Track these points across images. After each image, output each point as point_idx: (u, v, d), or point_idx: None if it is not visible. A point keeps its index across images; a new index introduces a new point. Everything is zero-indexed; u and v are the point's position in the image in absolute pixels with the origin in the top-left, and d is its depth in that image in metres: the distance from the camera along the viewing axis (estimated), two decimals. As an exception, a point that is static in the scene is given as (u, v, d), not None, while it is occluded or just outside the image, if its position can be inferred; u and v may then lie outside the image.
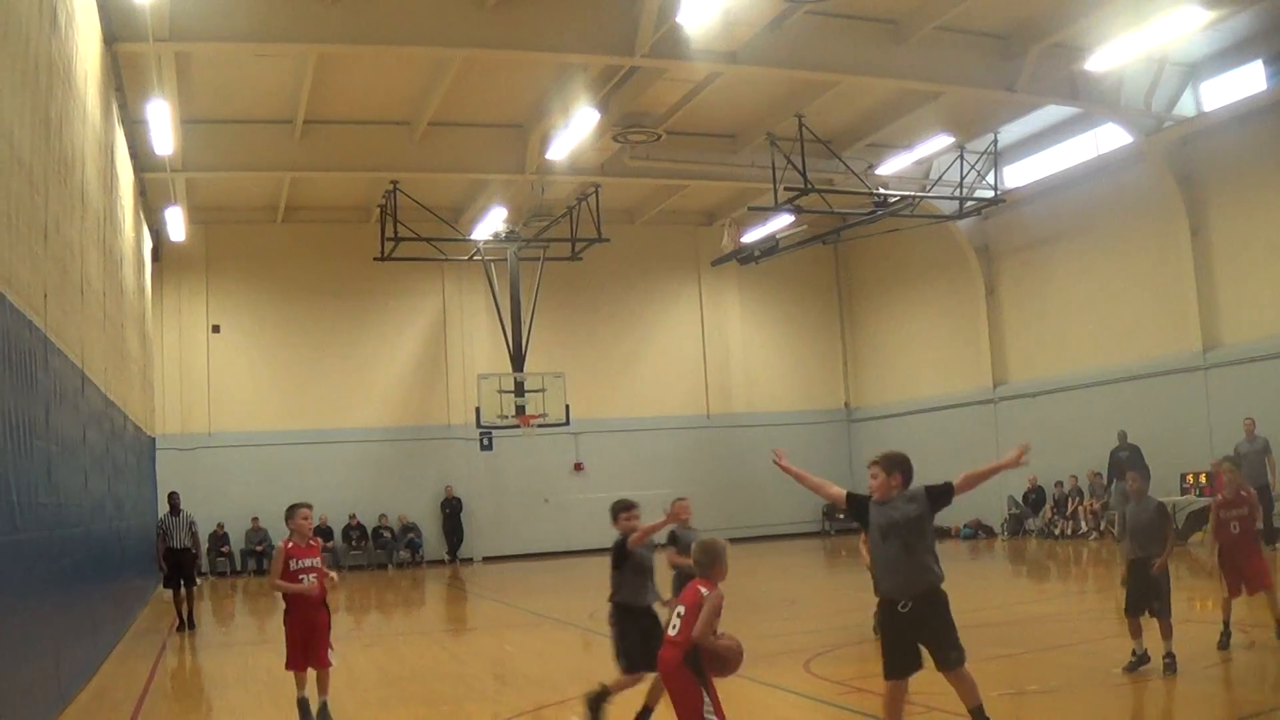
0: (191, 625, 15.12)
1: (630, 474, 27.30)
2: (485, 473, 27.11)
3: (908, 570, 5.99)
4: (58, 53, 9.54)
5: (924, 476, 6.19)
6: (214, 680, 11.27)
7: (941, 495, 6.05)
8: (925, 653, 6.02)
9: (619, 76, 18.53)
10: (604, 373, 28.04)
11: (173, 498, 16.02)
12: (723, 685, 6.08)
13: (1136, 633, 8.46)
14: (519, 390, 23.66)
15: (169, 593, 15.48)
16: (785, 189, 19.17)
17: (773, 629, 11.94)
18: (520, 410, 23.52)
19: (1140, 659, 8.40)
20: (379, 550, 25.92)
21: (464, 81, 18.65)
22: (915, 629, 5.97)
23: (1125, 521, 8.81)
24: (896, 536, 6.00)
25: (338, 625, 17.84)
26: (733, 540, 6.59)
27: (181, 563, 15.25)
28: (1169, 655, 8.25)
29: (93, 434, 11.70)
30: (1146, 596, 8.44)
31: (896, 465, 6.12)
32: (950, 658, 5.94)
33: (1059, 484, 23.23)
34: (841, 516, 29.77)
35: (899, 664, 6.01)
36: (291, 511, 8.25)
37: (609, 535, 7.34)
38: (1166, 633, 8.31)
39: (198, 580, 16.32)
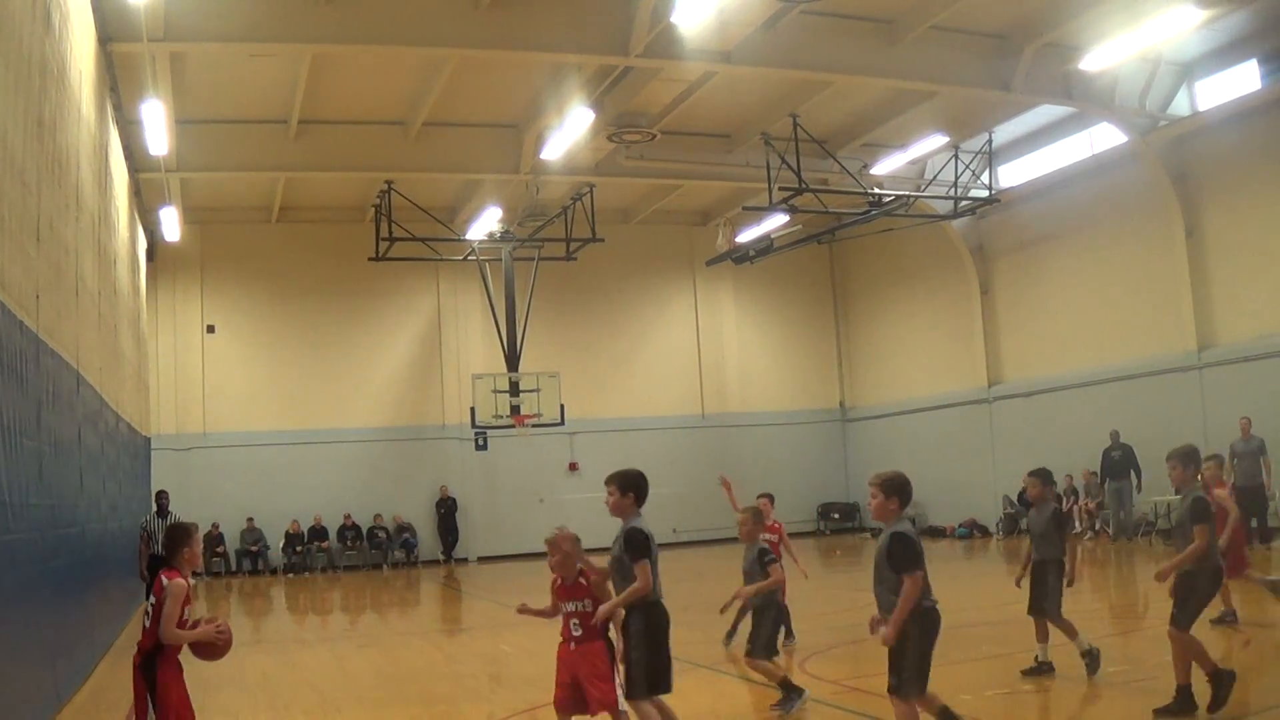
0: None
1: (625, 474, 27.32)
2: (480, 473, 27.10)
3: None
4: (51, 53, 9.51)
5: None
6: (208, 680, 11.23)
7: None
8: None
9: (613, 76, 18.53)
10: (599, 373, 28.02)
11: (160, 497, 14.49)
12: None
13: (1043, 636, 8.41)
14: (514, 390, 23.66)
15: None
16: (780, 189, 19.18)
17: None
18: (515, 410, 23.51)
19: (1090, 652, 8.34)
20: (374, 550, 25.90)
21: (459, 81, 18.64)
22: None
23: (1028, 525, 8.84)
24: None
25: (334, 625, 17.75)
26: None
27: None
28: (1042, 662, 8.29)
29: (87, 434, 11.67)
30: (1039, 597, 8.45)
31: (631, 486, 6.31)
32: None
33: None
34: (836, 516, 29.87)
35: None
36: (185, 534, 5.75)
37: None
38: (1042, 635, 8.34)
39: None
